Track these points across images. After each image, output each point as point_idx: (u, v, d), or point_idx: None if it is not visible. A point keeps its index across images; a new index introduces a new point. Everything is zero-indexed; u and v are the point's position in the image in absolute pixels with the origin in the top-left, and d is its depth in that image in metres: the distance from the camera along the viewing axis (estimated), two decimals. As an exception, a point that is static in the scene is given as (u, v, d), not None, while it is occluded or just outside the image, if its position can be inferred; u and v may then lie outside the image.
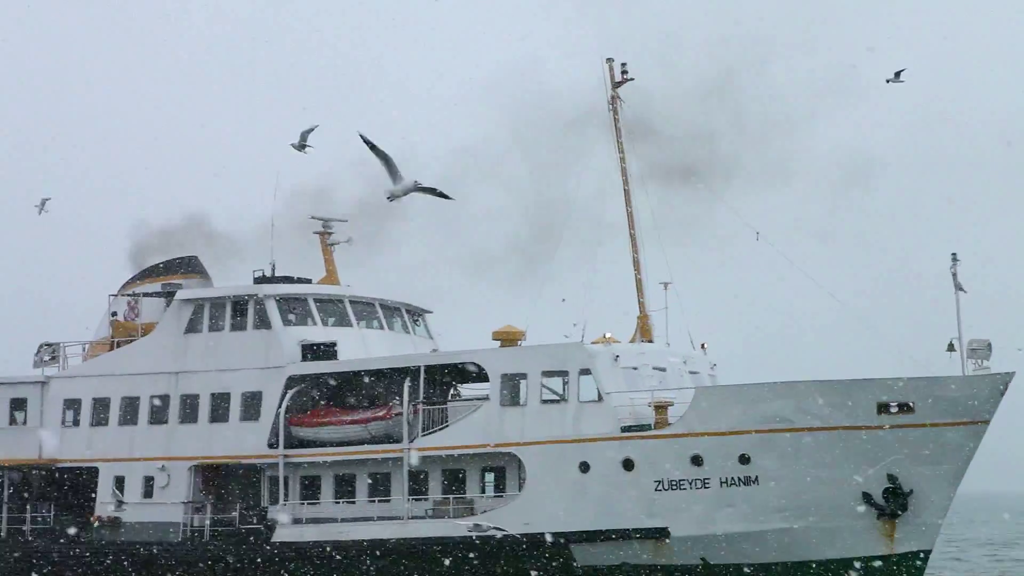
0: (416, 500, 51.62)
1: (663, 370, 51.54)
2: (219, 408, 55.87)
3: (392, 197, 52.71)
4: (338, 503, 53.22)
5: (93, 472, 58.23)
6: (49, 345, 62.03)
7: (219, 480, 56.22)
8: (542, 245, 56.43)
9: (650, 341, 53.43)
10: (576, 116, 56.72)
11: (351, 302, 58.19)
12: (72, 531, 57.11)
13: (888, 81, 52.45)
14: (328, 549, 51.36)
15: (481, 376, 53.25)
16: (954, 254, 47.18)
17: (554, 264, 54.60)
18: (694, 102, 56.54)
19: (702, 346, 55.00)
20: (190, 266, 61.88)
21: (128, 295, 61.88)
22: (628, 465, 47.66)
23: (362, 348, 56.41)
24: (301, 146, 56.35)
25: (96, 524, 56.97)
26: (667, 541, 47.30)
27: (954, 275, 46.93)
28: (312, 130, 56.07)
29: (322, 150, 56.01)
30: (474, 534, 49.05)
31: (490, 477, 51.71)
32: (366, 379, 55.02)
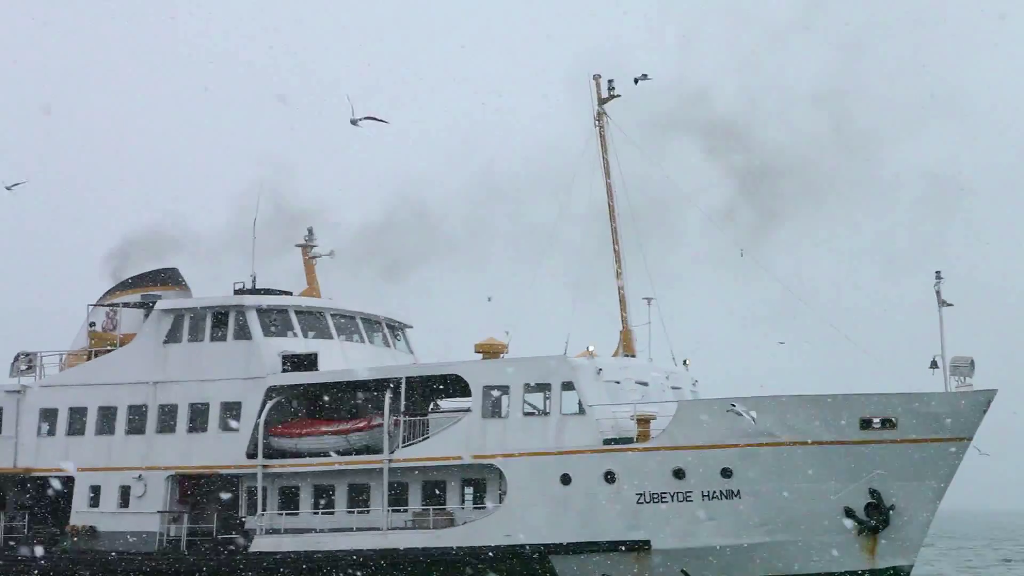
0: (396, 511, 51.37)
1: (645, 384, 51.54)
2: (198, 418, 55.55)
3: None
4: (317, 514, 52.89)
5: (69, 481, 57.73)
6: (26, 355, 61.53)
7: (197, 490, 55.81)
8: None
9: (632, 356, 53.43)
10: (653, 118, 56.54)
11: (332, 315, 58.08)
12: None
13: (636, 81, 52.99)
14: (306, 560, 51.06)
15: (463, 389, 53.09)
16: (938, 272, 47.44)
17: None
18: (790, 107, 56.45)
19: (684, 362, 55.04)
20: (169, 277, 61.68)
21: (107, 305, 61.61)
22: (610, 477, 47.57)
23: (343, 361, 56.21)
24: (354, 121, 56.44)
25: (71, 533, 56.43)
26: (648, 553, 47.17)
27: (938, 293, 47.12)
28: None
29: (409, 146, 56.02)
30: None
31: (468, 491, 51.52)
32: (347, 391, 54.82)
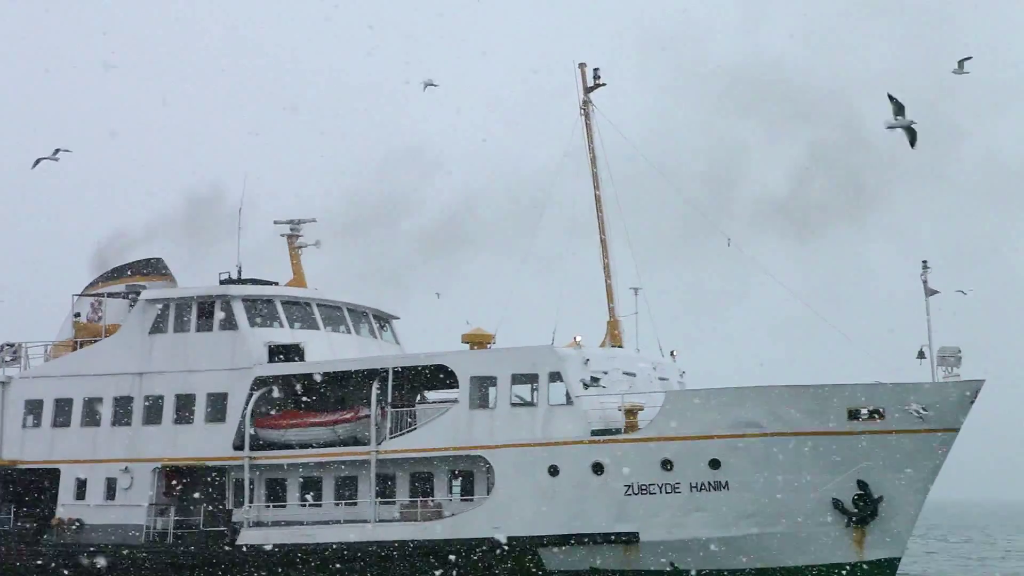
0: (383, 503, 51.22)
1: (633, 375, 51.40)
2: (184, 409, 55.28)
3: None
4: (304, 506, 52.72)
5: (55, 474, 57.45)
6: (11, 345, 61.31)
7: (183, 482, 55.57)
8: None
9: (620, 346, 53.30)
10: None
11: (318, 305, 57.84)
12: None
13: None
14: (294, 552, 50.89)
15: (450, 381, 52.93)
16: (924, 262, 47.43)
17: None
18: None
19: (671, 353, 54.93)
20: (155, 267, 61.36)
21: (92, 295, 61.26)
22: (598, 469, 47.43)
23: (329, 351, 56.03)
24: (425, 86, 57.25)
25: (57, 526, 56.17)
26: (636, 546, 47.07)
27: (924, 282, 47.09)
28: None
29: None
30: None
31: (456, 482, 51.30)
32: (334, 381, 54.58)
